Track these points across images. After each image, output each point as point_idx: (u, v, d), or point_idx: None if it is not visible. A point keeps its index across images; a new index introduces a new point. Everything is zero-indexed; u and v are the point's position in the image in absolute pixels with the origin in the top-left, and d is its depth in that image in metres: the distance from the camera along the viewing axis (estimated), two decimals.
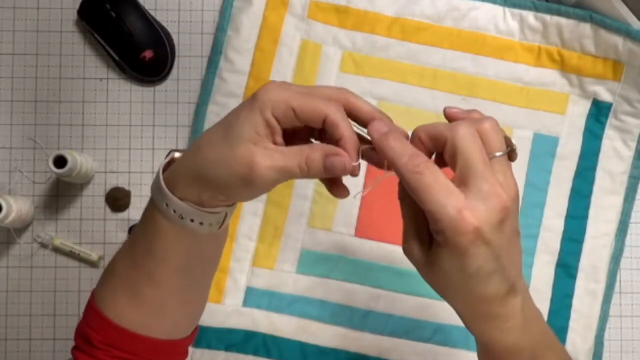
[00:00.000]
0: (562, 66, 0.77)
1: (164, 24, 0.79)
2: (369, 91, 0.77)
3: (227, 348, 0.75)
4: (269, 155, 0.41)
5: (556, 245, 0.76)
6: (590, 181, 0.77)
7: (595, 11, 0.74)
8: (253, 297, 0.76)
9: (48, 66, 0.78)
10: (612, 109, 0.76)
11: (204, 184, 0.43)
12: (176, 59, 0.79)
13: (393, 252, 0.75)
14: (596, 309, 0.76)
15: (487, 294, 0.41)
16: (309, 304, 0.76)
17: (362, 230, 0.76)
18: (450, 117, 0.44)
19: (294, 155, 0.42)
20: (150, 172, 0.78)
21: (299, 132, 0.46)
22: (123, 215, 0.78)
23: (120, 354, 0.49)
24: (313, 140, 0.47)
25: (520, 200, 0.72)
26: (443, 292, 0.44)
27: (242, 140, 0.41)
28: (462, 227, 0.38)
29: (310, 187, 0.76)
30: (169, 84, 0.79)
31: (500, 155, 0.41)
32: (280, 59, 0.77)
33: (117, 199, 0.77)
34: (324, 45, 0.77)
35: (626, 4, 0.73)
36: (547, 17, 0.76)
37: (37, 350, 0.76)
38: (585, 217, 0.76)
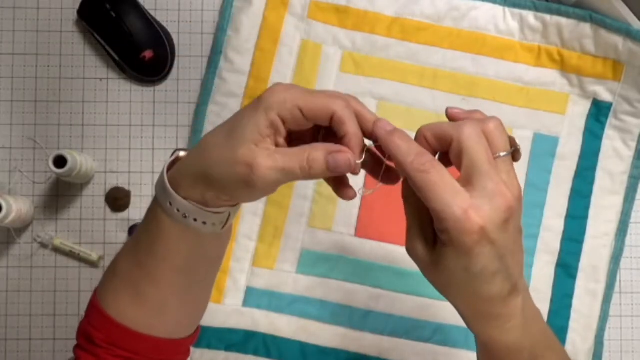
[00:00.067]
0: (562, 66, 0.77)
1: (164, 24, 0.79)
2: (369, 91, 0.77)
3: (227, 348, 0.75)
4: (270, 156, 0.41)
5: (556, 245, 0.76)
6: (590, 181, 0.77)
7: (595, 11, 0.74)
8: (253, 297, 0.76)
9: (48, 66, 0.78)
10: (612, 109, 0.77)
11: (207, 184, 0.43)
12: (176, 59, 0.79)
13: (393, 252, 0.75)
14: (596, 309, 0.76)
15: (490, 293, 0.41)
16: (309, 304, 0.76)
17: (362, 230, 0.76)
18: (452, 118, 0.44)
19: (295, 155, 0.42)
20: (150, 172, 0.78)
21: (302, 137, 0.46)
22: (123, 215, 0.78)
23: (123, 353, 0.49)
24: None
25: None
26: (445, 291, 0.44)
27: (244, 141, 0.41)
28: (468, 227, 0.38)
29: (310, 187, 0.76)
30: (169, 84, 0.79)
31: (504, 155, 0.41)
32: (280, 59, 0.77)
33: (117, 199, 0.77)
34: (324, 45, 0.77)
35: (626, 4, 0.73)
36: (547, 17, 0.76)
37: (37, 350, 0.76)
38: (585, 217, 0.76)
